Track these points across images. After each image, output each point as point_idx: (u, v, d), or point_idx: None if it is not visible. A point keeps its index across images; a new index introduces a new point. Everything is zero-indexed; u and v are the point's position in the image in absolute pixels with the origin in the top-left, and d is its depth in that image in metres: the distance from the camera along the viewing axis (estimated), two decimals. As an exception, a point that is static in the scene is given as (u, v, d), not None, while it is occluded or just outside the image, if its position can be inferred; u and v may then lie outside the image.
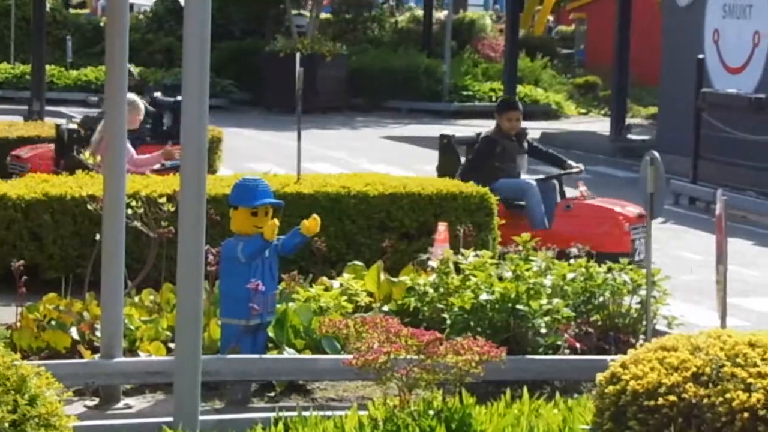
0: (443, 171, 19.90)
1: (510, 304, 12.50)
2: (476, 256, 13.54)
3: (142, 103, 20.57)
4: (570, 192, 20.53)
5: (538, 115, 39.13)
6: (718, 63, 28.38)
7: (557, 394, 10.48)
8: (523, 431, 9.21)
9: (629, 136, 33.48)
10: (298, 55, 17.73)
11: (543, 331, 12.44)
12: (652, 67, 32.91)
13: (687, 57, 27.23)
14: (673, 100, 28.67)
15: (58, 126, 20.74)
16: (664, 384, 8.40)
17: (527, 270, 13.11)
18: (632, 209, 19.16)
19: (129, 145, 16.06)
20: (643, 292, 13.12)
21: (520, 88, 40.19)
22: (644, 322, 12.71)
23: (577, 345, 12.58)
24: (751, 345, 8.62)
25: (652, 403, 8.39)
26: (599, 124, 37.27)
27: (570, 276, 13.29)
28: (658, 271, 13.40)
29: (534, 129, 36.49)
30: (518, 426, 9.27)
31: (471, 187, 16.94)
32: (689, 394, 8.30)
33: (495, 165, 19.55)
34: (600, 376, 8.89)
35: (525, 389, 10.28)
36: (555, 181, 20.41)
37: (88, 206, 13.18)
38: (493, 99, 40.22)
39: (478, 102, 42.09)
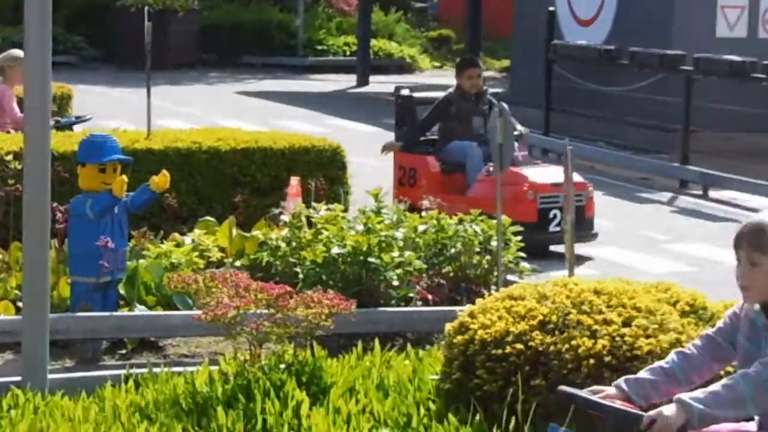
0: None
1: (361, 257, 12.50)
2: (328, 209, 13.48)
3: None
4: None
5: (392, 69, 39.22)
6: (569, 15, 28.56)
7: (409, 346, 10.54)
8: (373, 383, 9.19)
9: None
10: (146, 9, 17.62)
11: (395, 283, 12.45)
12: (505, 19, 32.94)
13: (538, 9, 27.38)
14: (525, 52, 28.82)
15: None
16: (511, 332, 8.52)
17: (378, 223, 13.10)
18: (550, 177, 17.89)
19: (15, 104, 16.93)
20: (494, 244, 13.12)
21: (374, 42, 40.29)
22: (495, 273, 12.70)
23: (429, 297, 12.56)
24: (597, 292, 8.76)
25: (499, 351, 8.49)
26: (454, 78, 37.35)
27: (421, 228, 13.29)
28: (508, 221, 13.47)
29: (388, 83, 36.57)
30: (369, 378, 9.28)
31: (323, 141, 16.76)
32: (536, 342, 8.43)
33: (447, 126, 18.87)
34: (449, 327, 8.99)
35: (377, 341, 10.29)
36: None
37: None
38: (348, 53, 40.24)
39: (333, 56, 42.13)
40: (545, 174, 18.13)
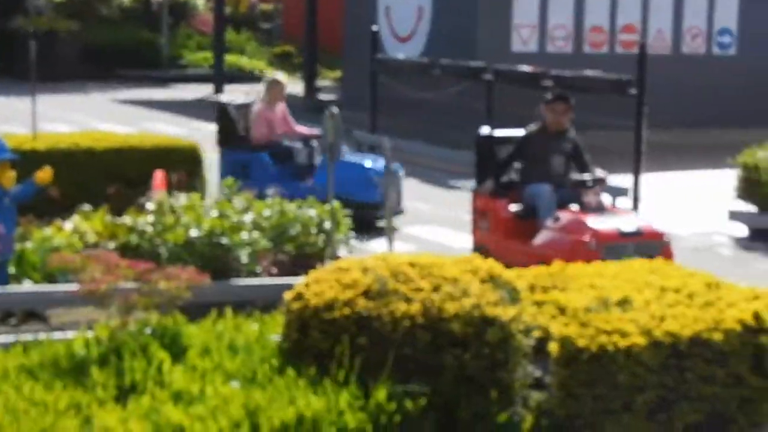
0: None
1: (215, 239, 12.22)
2: (187, 198, 13.12)
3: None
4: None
5: (244, 79, 38.86)
6: (389, 33, 28.20)
7: (256, 313, 9.95)
8: (225, 342, 8.90)
9: (318, 96, 33.44)
10: (33, 31, 17.17)
11: (244, 260, 12.30)
12: (337, 36, 32.50)
13: (364, 28, 26.87)
14: (354, 64, 28.49)
15: (222, 104, 17.53)
16: (339, 299, 8.22)
17: (230, 209, 12.89)
18: (618, 226, 13.10)
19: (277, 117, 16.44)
20: (328, 225, 12.70)
21: (228, 57, 40.09)
22: (328, 251, 12.36)
23: (273, 270, 12.23)
24: (411, 265, 8.46)
25: (329, 315, 8.15)
26: (296, 87, 37.05)
27: (266, 213, 13.06)
28: (338, 206, 13.01)
29: (240, 91, 36.17)
30: (221, 340, 8.99)
31: (183, 141, 16.41)
32: (360, 307, 8.13)
33: (525, 167, 13.86)
34: (288, 295, 8.63)
35: (229, 309, 9.82)
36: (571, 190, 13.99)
37: None
38: (206, 66, 39.94)
39: (192, 69, 41.25)
40: (612, 222, 13.06)
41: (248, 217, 12.65)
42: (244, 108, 16.75)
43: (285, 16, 48.74)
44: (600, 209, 13.93)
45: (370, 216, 15.90)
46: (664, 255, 11.85)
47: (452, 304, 7.97)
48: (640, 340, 7.94)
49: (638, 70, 18.43)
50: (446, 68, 22.92)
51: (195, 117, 29.04)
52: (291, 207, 13.08)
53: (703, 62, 27.71)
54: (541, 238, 13.81)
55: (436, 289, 8.09)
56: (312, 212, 12.96)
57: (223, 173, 16.72)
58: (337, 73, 35.09)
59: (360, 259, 9.02)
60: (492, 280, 8.37)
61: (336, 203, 13.01)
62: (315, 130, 16.64)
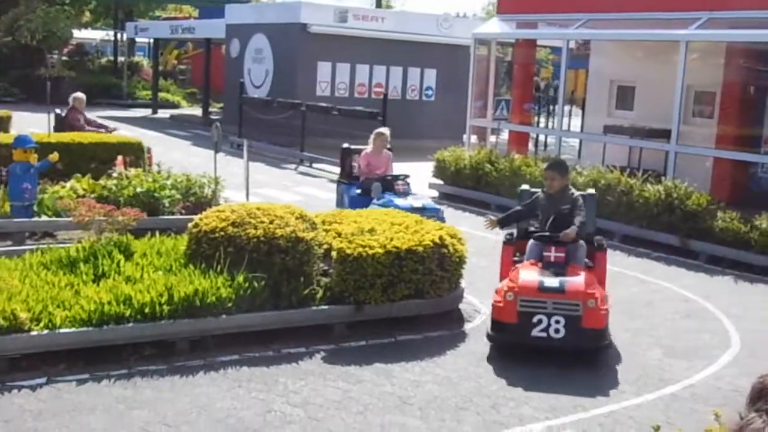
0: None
1: (150, 193, 12.27)
2: (134, 171, 13.21)
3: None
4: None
5: (168, 107, 38.25)
6: (249, 82, 28.45)
7: (174, 234, 10.19)
8: (155, 249, 9.02)
9: (210, 115, 33.18)
10: (47, 76, 17.01)
11: (166, 205, 12.25)
12: (221, 84, 32.66)
13: (236, 80, 27.20)
14: (230, 99, 28.66)
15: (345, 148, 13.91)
16: (218, 227, 8.42)
17: (159, 177, 12.96)
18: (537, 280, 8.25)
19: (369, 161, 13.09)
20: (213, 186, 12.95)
21: (162, 94, 39.54)
22: (213, 200, 12.53)
23: (183, 211, 12.33)
24: (258, 209, 8.68)
25: (212, 235, 8.37)
26: (197, 110, 36.74)
27: (180, 179, 13.00)
28: (218, 177, 13.07)
29: (166, 113, 35.83)
30: (153, 248, 9.07)
31: (133, 140, 15.82)
32: (228, 231, 8.35)
33: (531, 224, 9.12)
34: (190, 225, 8.80)
35: (157, 232, 10.11)
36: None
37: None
38: (148, 98, 39.21)
39: (141, 100, 40.48)
40: (534, 275, 8.20)
41: (169, 182, 12.69)
42: (358, 152, 13.56)
43: (193, 72, 48.05)
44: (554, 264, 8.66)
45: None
46: (585, 314, 7.92)
47: (280, 230, 8.24)
48: (380, 250, 8.44)
49: (383, 107, 19.56)
50: (280, 103, 23.33)
51: (141, 126, 28.65)
52: (193, 176, 13.06)
53: (417, 103, 28.70)
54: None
55: (271, 222, 8.33)
56: (204, 180, 12.97)
57: (343, 195, 13.48)
58: (221, 104, 34.75)
59: (229, 205, 9.19)
60: (302, 217, 8.60)
61: (218, 174, 13.34)
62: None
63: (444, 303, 9.04)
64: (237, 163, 19.00)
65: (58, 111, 17.16)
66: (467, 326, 9.08)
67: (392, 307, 8.66)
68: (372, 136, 13.46)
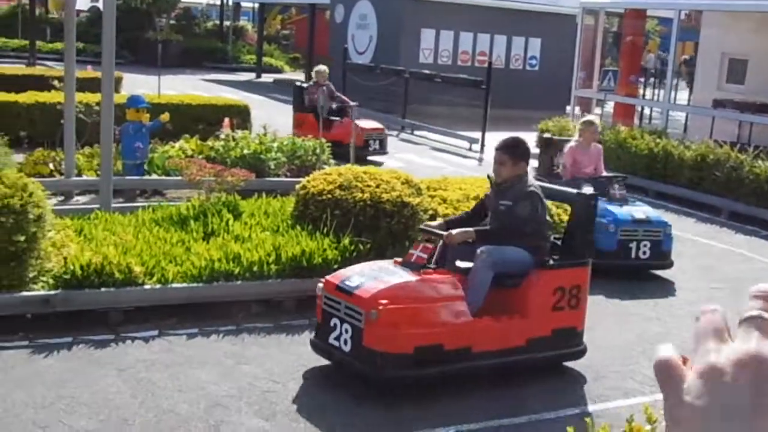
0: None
1: (257, 155, 12.41)
2: (241, 133, 13.38)
3: None
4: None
5: (271, 71, 38.50)
6: (353, 48, 28.49)
7: (279, 196, 10.37)
8: (262, 210, 9.20)
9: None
10: (156, 38, 17.27)
11: (272, 167, 12.39)
12: (326, 49, 32.74)
13: (340, 46, 27.23)
14: (336, 65, 28.60)
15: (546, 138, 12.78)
16: (325, 189, 8.49)
17: (265, 140, 13.04)
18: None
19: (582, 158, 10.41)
20: (319, 150, 12.95)
21: (265, 59, 39.65)
22: (318, 164, 12.54)
23: (288, 174, 12.44)
24: (365, 173, 8.69)
25: (319, 197, 8.45)
26: (300, 75, 36.96)
27: (285, 143, 13.10)
28: (324, 141, 13.14)
29: (270, 77, 36.19)
30: (260, 209, 9.25)
31: (239, 102, 16.31)
32: (335, 194, 8.40)
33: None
34: (298, 187, 8.93)
35: (264, 193, 10.28)
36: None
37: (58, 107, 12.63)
38: (252, 63, 39.67)
39: (245, 64, 40.67)
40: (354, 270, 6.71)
41: (275, 145, 12.83)
42: (562, 144, 11.05)
43: (296, 37, 48.52)
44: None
45: (605, 265, 8.91)
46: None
47: (386, 194, 8.27)
48: None
49: (486, 76, 19.14)
50: (383, 69, 23.28)
51: (246, 90, 28.92)
52: (299, 140, 13.21)
53: (521, 73, 28.36)
54: None
55: (377, 186, 8.37)
56: (309, 143, 13.06)
57: None
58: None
59: (336, 168, 9.26)
60: (408, 182, 8.62)
61: (323, 139, 13.52)
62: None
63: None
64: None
65: (298, 83, 17.02)
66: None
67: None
68: (578, 126, 10.86)
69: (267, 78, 36.43)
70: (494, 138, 15.75)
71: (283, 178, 12.24)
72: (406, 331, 5.98)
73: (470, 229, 6.55)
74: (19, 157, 12.00)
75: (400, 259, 6.55)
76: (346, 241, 8.09)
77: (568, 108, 19.57)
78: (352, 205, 8.26)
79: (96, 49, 28.96)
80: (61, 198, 11.06)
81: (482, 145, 18.87)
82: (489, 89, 19.06)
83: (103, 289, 7.17)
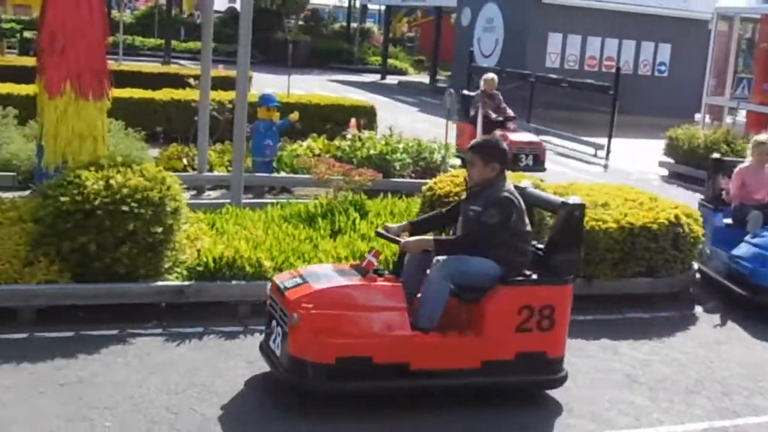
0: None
1: (382, 155, 12.50)
2: (368, 134, 13.50)
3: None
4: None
5: (395, 73, 38.76)
6: (479, 51, 28.39)
7: (404, 196, 10.50)
8: (388, 210, 9.28)
9: (437, 83, 33.43)
10: (285, 39, 17.56)
11: (397, 168, 12.47)
12: (450, 52, 32.78)
13: (465, 49, 27.21)
14: (459, 68, 28.63)
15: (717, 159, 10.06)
16: (452, 191, 8.45)
17: (391, 140, 13.12)
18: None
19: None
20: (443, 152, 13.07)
21: (390, 60, 39.86)
22: (442, 166, 12.62)
23: (412, 174, 12.50)
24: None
25: (446, 200, 8.28)
26: (424, 77, 37.26)
27: (411, 144, 13.19)
28: (449, 143, 13.26)
29: (395, 79, 36.40)
30: (386, 208, 9.35)
31: (366, 103, 16.42)
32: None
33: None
34: (424, 188, 8.95)
35: (389, 194, 10.37)
36: None
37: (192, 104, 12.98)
38: (377, 64, 39.98)
39: (370, 66, 41.07)
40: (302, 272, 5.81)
41: (400, 146, 12.93)
42: (735, 165, 9.75)
43: (421, 39, 48.77)
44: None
45: (760, 299, 8.41)
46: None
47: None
48: (613, 225, 8.27)
49: (614, 81, 18.73)
50: (509, 73, 22.88)
51: (371, 91, 29.11)
52: (424, 141, 13.27)
53: (649, 79, 27.71)
54: None
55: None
56: (434, 145, 13.17)
57: (706, 222, 9.15)
58: (447, 73, 34.83)
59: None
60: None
61: (449, 141, 13.52)
62: None
63: (676, 283, 8.77)
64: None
65: (465, 92, 15.87)
66: (697, 309, 8.75)
67: (622, 283, 8.45)
68: (749, 147, 9.92)
69: (392, 80, 36.69)
70: (621, 144, 15.28)
71: (408, 179, 12.30)
72: (328, 340, 5.42)
73: (429, 237, 5.94)
74: (154, 152, 12.39)
75: (356, 263, 6.07)
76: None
77: (698, 115, 19.07)
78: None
79: (227, 48, 29.82)
80: (194, 192, 11.34)
81: (608, 152, 18.58)
82: (617, 95, 18.73)
83: (233, 282, 7.33)
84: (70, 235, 6.87)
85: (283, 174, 12.19)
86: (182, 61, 32.05)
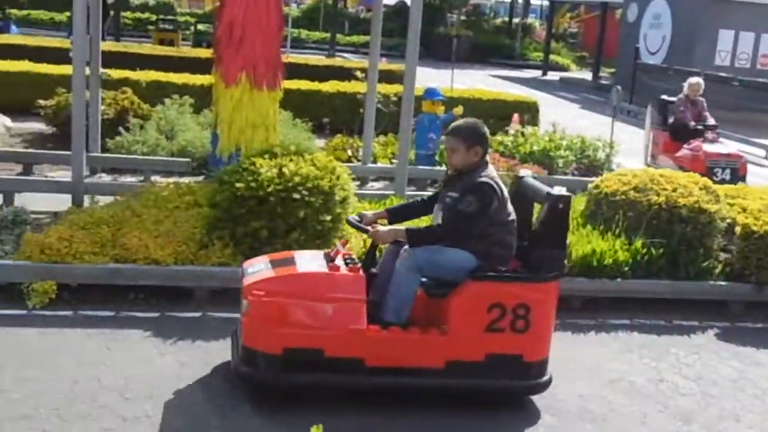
0: None
1: (546, 151, 12.40)
2: (531, 129, 13.41)
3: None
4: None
5: (557, 69, 38.25)
6: (644, 48, 27.70)
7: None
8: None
9: (599, 80, 32.82)
10: (449, 34, 17.52)
11: (561, 164, 12.35)
12: (614, 48, 32.11)
13: (630, 44, 26.62)
14: (624, 65, 28.00)
15: None
16: (619, 190, 8.33)
17: (554, 137, 13.03)
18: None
19: None
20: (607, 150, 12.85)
21: (552, 56, 39.33)
22: (606, 164, 12.44)
23: (575, 171, 12.40)
24: (661, 176, 8.48)
25: (613, 198, 8.31)
26: (586, 74, 36.61)
27: (575, 141, 13.07)
28: (613, 141, 13.07)
29: (556, 75, 35.91)
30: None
31: (528, 98, 16.27)
32: (630, 195, 8.23)
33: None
34: (590, 186, 8.80)
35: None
36: None
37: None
38: (539, 60, 39.52)
39: (531, 61, 40.75)
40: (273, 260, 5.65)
41: (564, 143, 12.80)
42: None
43: (584, 35, 48.08)
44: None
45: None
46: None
47: (683, 198, 8.00)
48: None
49: None
50: (676, 70, 22.46)
51: (533, 87, 28.71)
52: (588, 139, 13.10)
53: None
54: None
55: (674, 189, 8.11)
56: (599, 143, 13.04)
57: None
58: (611, 70, 34.11)
59: (631, 169, 8.95)
60: (706, 188, 8.30)
61: (613, 140, 13.20)
62: None
63: None
64: (626, 129, 18.60)
65: (664, 97, 14.27)
66: None
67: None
68: None
69: (553, 76, 36.22)
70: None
71: (571, 177, 12.15)
72: (275, 329, 5.12)
73: (400, 227, 5.52)
74: (320, 143, 12.62)
75: (328, 250, 5.68)
76: (639, 243, 7.91)
77: None
78: (647, 208, 8.05)
79: (388, 42, 30.15)
80: (358, 183, 11.46)
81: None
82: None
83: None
84: (244, 220, 7.07)
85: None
86: (345, 54, 32.55)
